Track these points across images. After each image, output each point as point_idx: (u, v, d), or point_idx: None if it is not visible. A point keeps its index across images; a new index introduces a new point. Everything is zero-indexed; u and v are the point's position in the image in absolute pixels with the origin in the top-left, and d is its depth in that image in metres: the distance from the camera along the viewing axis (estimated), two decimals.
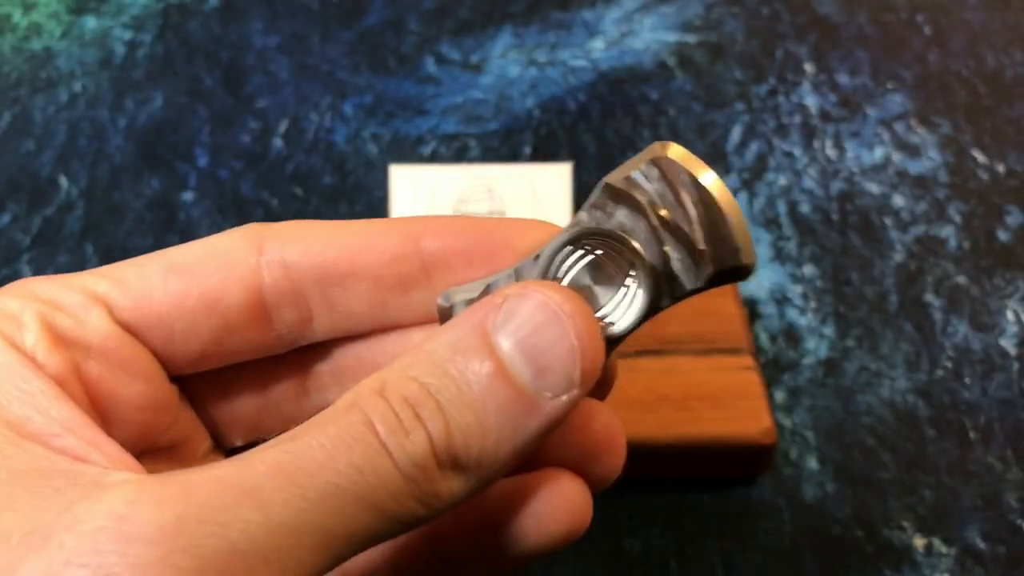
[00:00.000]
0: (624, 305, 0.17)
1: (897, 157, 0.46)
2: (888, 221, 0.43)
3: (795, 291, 0.40)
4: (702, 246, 0.17)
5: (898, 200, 0.44)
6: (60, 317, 0.17)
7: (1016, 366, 0.37)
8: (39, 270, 0.41)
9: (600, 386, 0.18)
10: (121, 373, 0.18)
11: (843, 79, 0.49)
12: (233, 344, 0.19)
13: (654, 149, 0.17)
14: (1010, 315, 0.39)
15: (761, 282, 0.40)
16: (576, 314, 0.16)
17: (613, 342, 0.17)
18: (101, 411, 0.17)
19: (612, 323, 0.17)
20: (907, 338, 0.38)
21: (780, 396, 0.36)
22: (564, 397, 0.16)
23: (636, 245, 0.17)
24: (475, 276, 0.18)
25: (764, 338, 0.38)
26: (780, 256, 0.41)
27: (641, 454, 0.33)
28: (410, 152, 0.46)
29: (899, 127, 0.47)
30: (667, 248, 0.17)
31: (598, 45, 0.52)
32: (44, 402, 0.16)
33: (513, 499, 0.18)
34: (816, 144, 0.46)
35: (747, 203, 0.44)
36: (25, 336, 0.16)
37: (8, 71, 0.50)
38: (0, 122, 0.48)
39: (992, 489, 0.33)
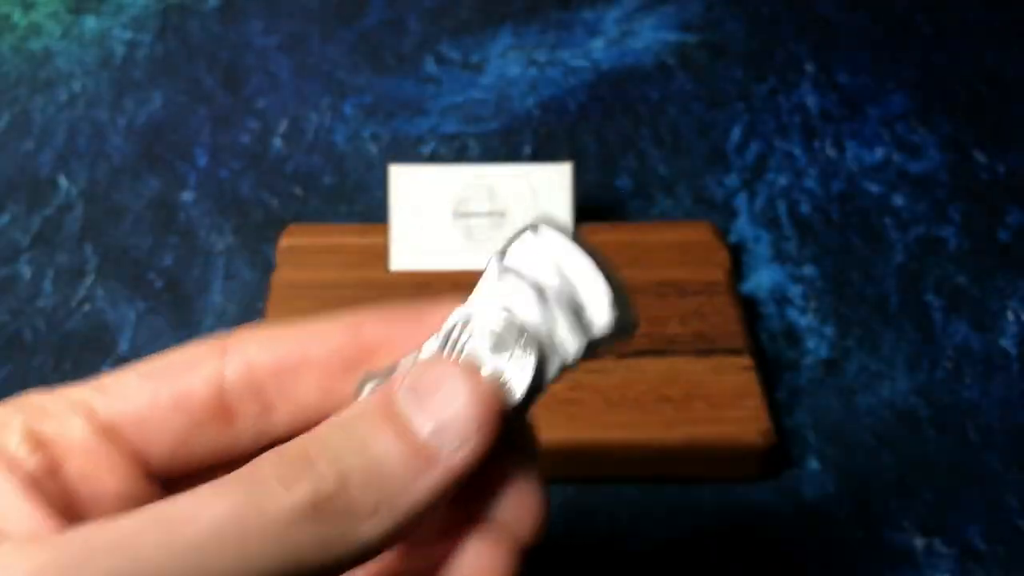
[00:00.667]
0: (518, 371, 0.18)
1: (897, 157, 0.46)
2: (888, 221, 0.43)
3: (795, 291, 0.40)
4: (583, 310, 0.18)
5: (898, 200, 0.44)
6: (45, 422, 0.19)
7: (1016, 366, 0.37)
8: (38, 270, 0.41)
9: (522, 448, 0.19)
10: (99, 471, 0.19)
11: (843, 79, 0.49)
12: (201, 441, 0.20)
13: (532, 227, 0.19)
14: (1010, 315, 0.39)
15: (761, 282, 0.40)
16: (469, 378, 0.18)
17: (518, 407, 0.18)
18: (80, 506, 0.19)
19: (511, 389, 0.18)
20: (907, 338, 0.38)
21: (780, 396, 0.36)
22: (460, 453, 0.17)
23: (523, 316, 0.18)
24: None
25: (764, 338, 0.38)
26: (780, 256, 0.41)
27: (641, 454, 0.33)
28: (410, 152, 0.46)
29: (899, 127, 0.47)
30: (552, 315, 0.18)
31: (598, 45, 0.52)
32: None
33: (438, 563, 0.19)
34: (816, 144, 0.46)
35: (747, 203, 0.44)
36: (9, 439, 0.19)
37: (7, 71, 0.50)
38: None
39: (992, 489, 0.33)
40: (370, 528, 0.17)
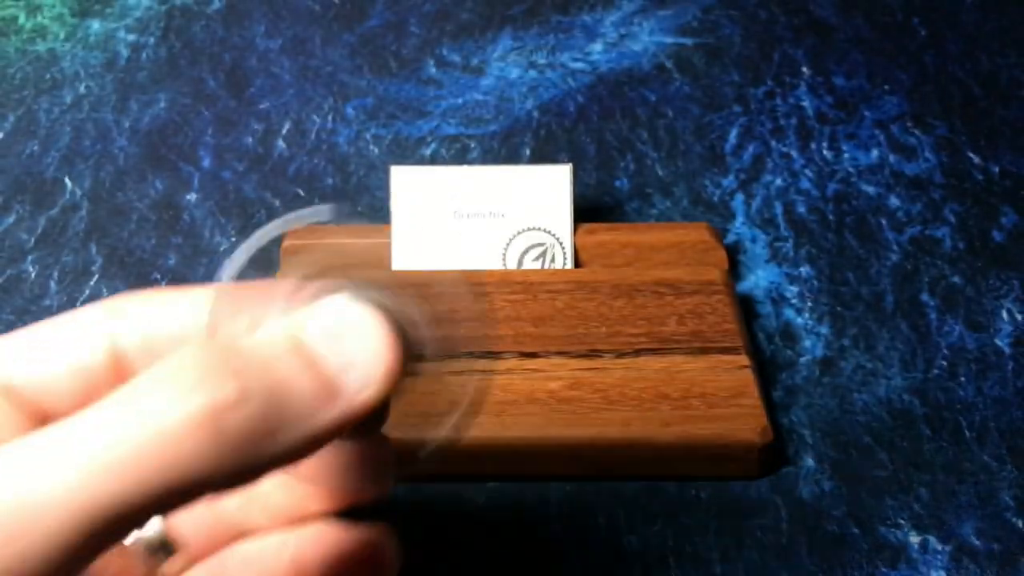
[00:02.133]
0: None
1: (893, 158, 0.46)
2: (884, 222, 0.43)
3: (792, 291, 0.40)
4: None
5: (894, 201, 0.44)
6: None
7: (1011, 365, 0.37)
8: (43, 270, 0.41)
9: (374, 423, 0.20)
10: (2, 429, 0.19)
11: (839, 81, 0.50)
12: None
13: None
14: (1004, 315, 0.39)
15: (758, 282, 0.41)
16: (384, 326, 0.18)
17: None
18: None
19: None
20: (903, 337, 0.38)
21: (777, 395, 0.37)
22: (364, 394, 0.17)
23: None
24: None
25: (761, 337, 0.39)
26: (777, 256, 0.42)
27: (639, 452, 0.33)
28: (411, 153, 0.47)
29: (895, 128, 0.47)
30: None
31: (597, 48, 0.52)
32: None
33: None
34: (813, 145, 0.47)
35: (744, 204, 0.44)
36: None
37: (13, 73, 0.51)
38: (5, 123, 0.48)
39: (987, 487, 0.34)
40: (266, 449, 0.16)
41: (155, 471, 0.15)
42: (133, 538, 0.22)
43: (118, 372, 0.20)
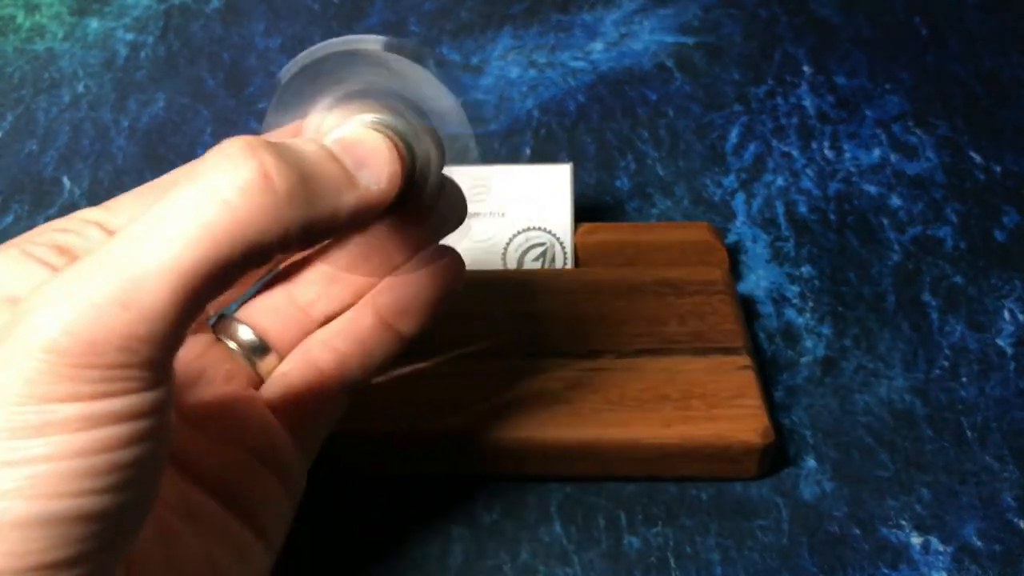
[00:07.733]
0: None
1: (894, 158, 0.46)
2: (885, 221, 0.43)
3: (793, 291, 0.40)
4: (436, 117, 0.24)
5: (895, 200, 0.44)
6: (66, 236, 0.23)
7: (1013, 365, 0.37)
8: None
9: (433, 222, 0.25)
10: None
11: (841, 80, 0.50)
12: None
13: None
14: (1007, 315, 0.39)
15: (759, 282, 0.41)
16: (382, 137, 0.23)
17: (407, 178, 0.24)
18: None
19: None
20: (904, 337, 0.38)
21: (778, 395, 0.36)
22: (375, 188, 0.22)
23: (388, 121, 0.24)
24: None
25: (762, 337, 0.38)
26: (778, 256, 0.42)
27: (639, 453, 0.33)
28: None
29: (896, 128, 0.47)
30: (409, 120, 0.24)
31: (597, 47, 0.52)
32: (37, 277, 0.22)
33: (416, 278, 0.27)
34: (814, 145, 0.46)
35: (745, 204, 0.44)
36: (40, 250, 0.22)
37: (11, 72, 0.51)
38: (3, 123, 0.48)
39: (989, 488, 0.34)
40: (308, 212, 0.20)
41: (226, 234, 0.19)
42: (235, 344, 0.27)
43: None
